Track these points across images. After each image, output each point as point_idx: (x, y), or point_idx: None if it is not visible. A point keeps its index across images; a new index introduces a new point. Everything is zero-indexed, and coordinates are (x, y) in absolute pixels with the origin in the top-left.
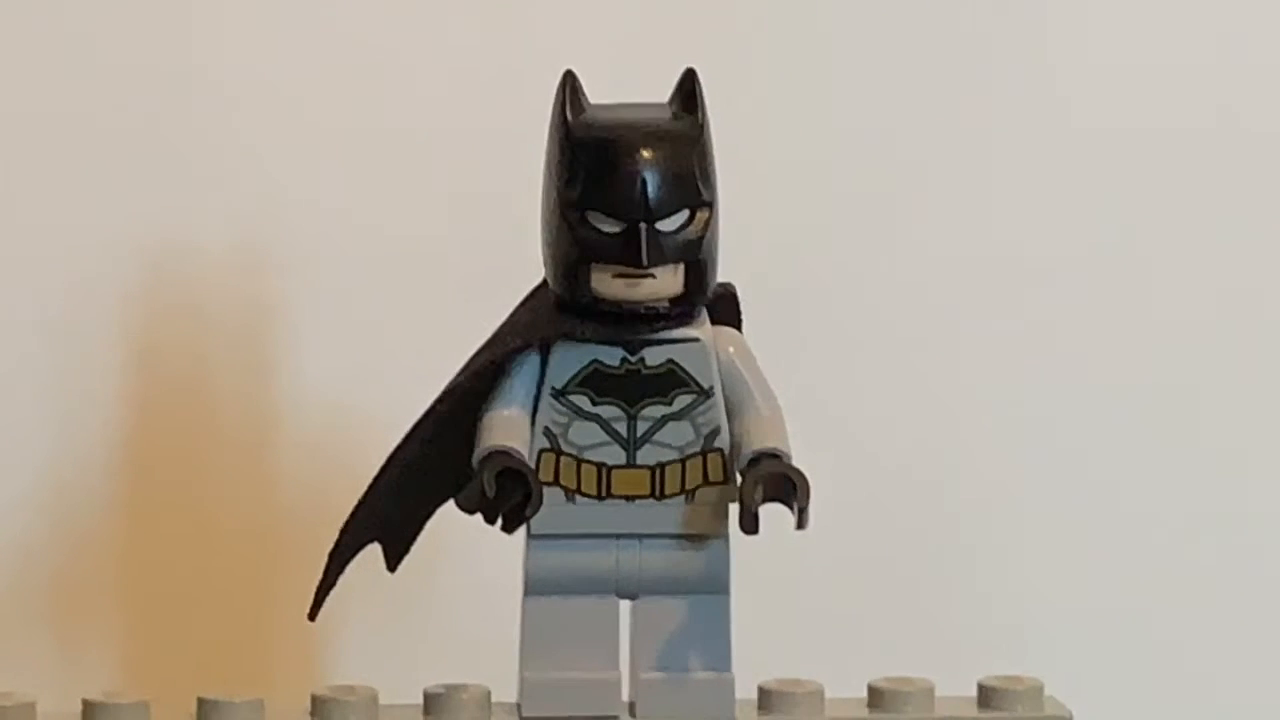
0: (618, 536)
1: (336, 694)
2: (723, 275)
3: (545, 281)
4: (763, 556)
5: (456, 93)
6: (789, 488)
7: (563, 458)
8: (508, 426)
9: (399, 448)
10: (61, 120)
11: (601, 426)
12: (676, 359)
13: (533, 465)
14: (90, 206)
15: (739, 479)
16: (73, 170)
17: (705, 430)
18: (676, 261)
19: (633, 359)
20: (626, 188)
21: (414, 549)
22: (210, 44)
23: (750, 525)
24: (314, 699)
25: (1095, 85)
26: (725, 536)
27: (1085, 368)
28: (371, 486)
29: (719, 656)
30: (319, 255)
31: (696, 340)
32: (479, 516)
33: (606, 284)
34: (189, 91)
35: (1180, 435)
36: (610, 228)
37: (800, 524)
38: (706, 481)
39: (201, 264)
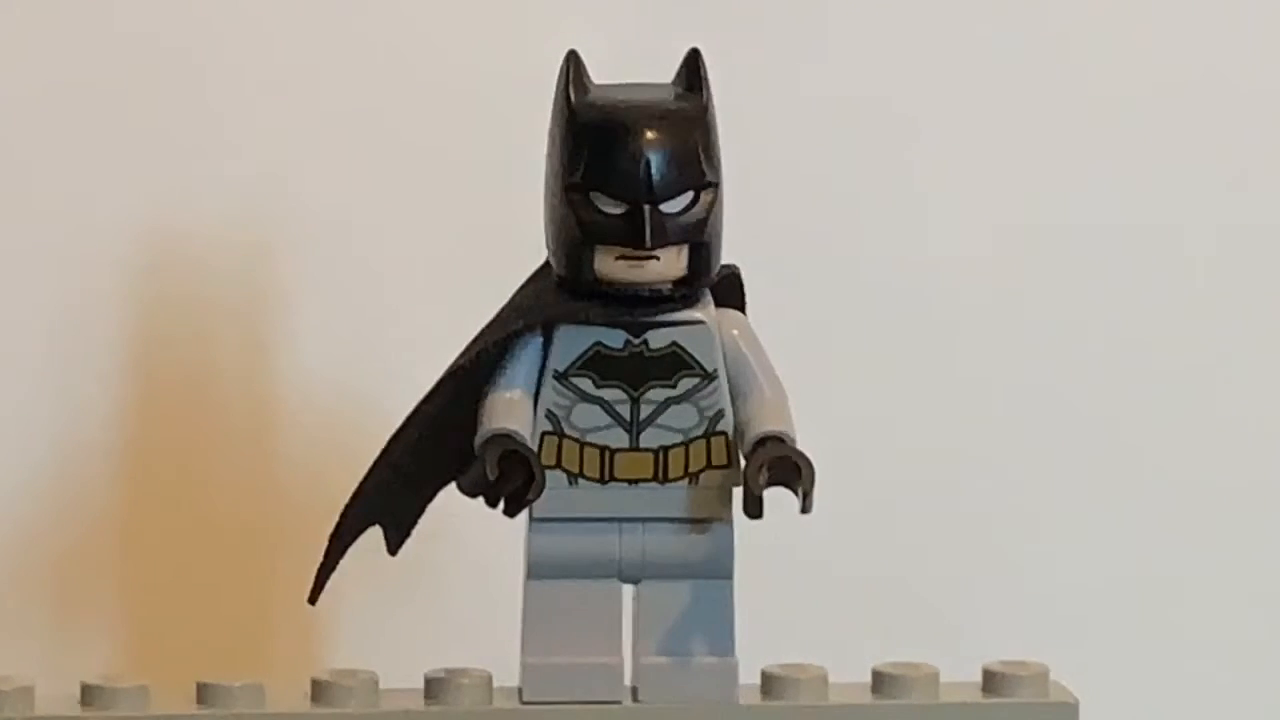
0: (620, 520)
1: (336, 678)
2: (726, 257)
3: (548, 263)
4: (766, 540)
5: (457, 75)
6: (793, 471)
7: (565, 441)
8: (510, 409)
9: (400, 431)
10: (64, 104)
11: (604, 409)
12: (680, 341)
13: (535, 448)
14: (92, 190)
15: (743, 462)
16: (75, 154)
17: (709, 413)
18: (680, 243)
19: (636, 341)
20: (630, 168)
21: (415, 532)
22: (213, 27)
23: (754, 509)
24: (314, 683)
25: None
26: (729, 520)
27: (1094, 353)
28: (372, 469)
29: (722, 641)
30: (321, 238)
31: (700, 323)
32: (481, 500)
33: (609, 266)
34: (191, 75)
35: (1188, 420)
36: (613, 209)
37: (804, 508)
38: (710, 465)
39: (203, 248)
